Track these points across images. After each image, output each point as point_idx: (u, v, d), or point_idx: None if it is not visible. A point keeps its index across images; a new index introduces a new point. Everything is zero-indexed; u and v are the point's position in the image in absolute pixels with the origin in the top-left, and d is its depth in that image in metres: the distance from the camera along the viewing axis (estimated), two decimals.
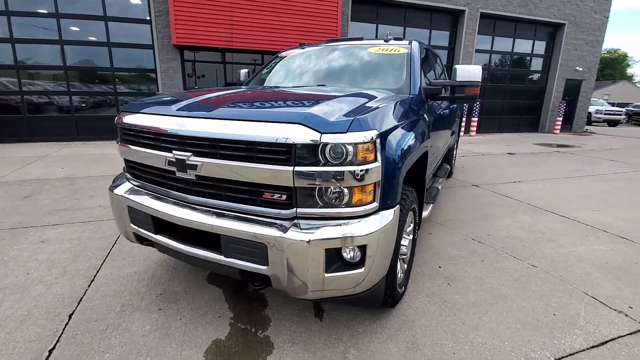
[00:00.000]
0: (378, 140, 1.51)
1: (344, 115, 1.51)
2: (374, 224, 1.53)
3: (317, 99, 1.80)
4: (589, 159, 7.97)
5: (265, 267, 1.55)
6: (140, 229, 1.95)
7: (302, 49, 3.34)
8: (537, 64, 13.94)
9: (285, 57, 3.39)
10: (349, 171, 1.43)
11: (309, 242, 1.43)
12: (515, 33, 12.92)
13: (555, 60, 13.60)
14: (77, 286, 2.34)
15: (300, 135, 1.41)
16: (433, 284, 2.45)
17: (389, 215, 1.62)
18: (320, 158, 1.43)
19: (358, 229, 1.49)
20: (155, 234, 1.87)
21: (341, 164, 1.43)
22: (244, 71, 3.59)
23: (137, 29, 8.73)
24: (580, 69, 13.98)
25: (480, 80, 2.49)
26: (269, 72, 3.31)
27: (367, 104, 1.75)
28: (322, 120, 1.45)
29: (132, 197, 1.95)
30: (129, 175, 2.08)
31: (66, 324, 1.95)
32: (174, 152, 1.67)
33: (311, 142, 1.40)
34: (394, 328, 1.98)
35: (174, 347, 1.80)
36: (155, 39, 8.63)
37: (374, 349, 1.81)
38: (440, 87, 2.58)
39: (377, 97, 1.95)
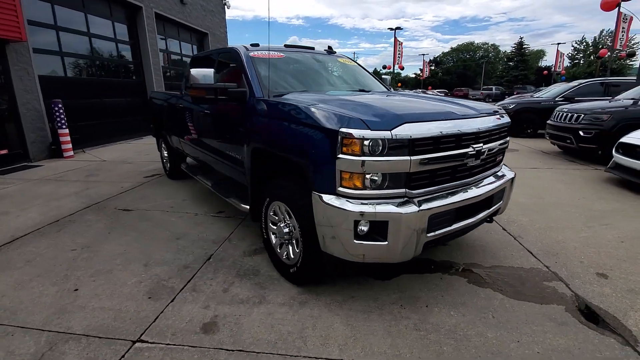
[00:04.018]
0: None
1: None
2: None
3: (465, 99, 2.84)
4: None
5: (501, 202, 2.60)
6: (438, 231, 2.07)
7: (282, 53, 3.22)
8: None
9: (265, 58, 3.09)
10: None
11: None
12: (179, 36, 14.18)
13: None
14: None
15: (507, 119, 2.59)
16: None
17: None
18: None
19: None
20: (452, 224, 2.14)
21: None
22: (204, 71, 2.73)
23: None
24: None
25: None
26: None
27: None
28: (500, 110, 2.67)
29: (429, 205, 1.98)
30: (414, 191, 1.95)
31: None
32: (472, 146, 2.13)
33: (507, 123, 2.62)
34: None
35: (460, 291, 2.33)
36: None
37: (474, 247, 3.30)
38: None
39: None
